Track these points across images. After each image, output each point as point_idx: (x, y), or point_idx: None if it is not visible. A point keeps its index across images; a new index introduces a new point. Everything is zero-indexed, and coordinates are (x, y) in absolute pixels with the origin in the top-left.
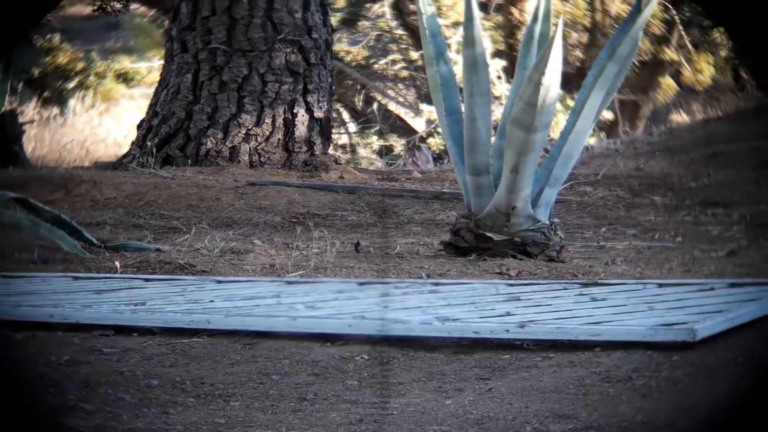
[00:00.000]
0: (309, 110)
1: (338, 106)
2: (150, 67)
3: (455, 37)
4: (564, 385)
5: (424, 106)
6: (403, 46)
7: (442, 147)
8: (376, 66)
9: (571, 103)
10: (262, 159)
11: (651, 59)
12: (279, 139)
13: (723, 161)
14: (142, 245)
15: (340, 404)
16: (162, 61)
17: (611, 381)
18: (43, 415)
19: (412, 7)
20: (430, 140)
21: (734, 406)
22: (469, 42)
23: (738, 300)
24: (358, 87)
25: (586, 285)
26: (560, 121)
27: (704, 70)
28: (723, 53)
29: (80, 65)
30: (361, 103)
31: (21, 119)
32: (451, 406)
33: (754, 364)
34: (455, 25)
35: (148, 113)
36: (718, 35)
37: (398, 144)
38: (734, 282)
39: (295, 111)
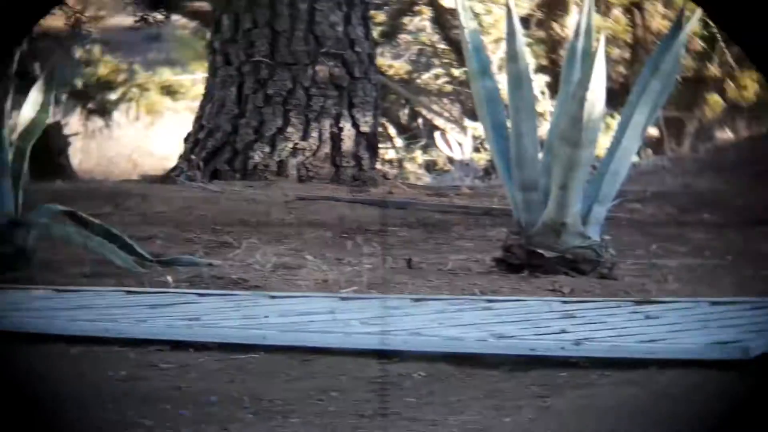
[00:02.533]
0: (355, 124)
1: (383, 120)
2: (193, 80)
3: (498, 53)
4: (622, 403)
5: (468, 122)
6: (445, 61)
7: (489, 162)
8: (419, 81)
9: (615, 119)
10: (310, 173)
11: (694, 75)
12: (326, 153)
13: None
14: (194, 260)
15: (399, 421)
16: (205, 74)
17: (668, 399)
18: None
19: (453, 20)
20: (475, 155)
21: None
22: (513, 56)
23: None
24: (402, 102)
25: (639, 303)
26: (605, 138)
27: (748, 87)
28: None
29: (122, 77)
30: (406, 118)
31: (66, 131)
32: (510, 424)
33: None
34: (497, 41)
35: (194, 126)
36: None
37: (442, 158)
38: None
39: (341, 125)
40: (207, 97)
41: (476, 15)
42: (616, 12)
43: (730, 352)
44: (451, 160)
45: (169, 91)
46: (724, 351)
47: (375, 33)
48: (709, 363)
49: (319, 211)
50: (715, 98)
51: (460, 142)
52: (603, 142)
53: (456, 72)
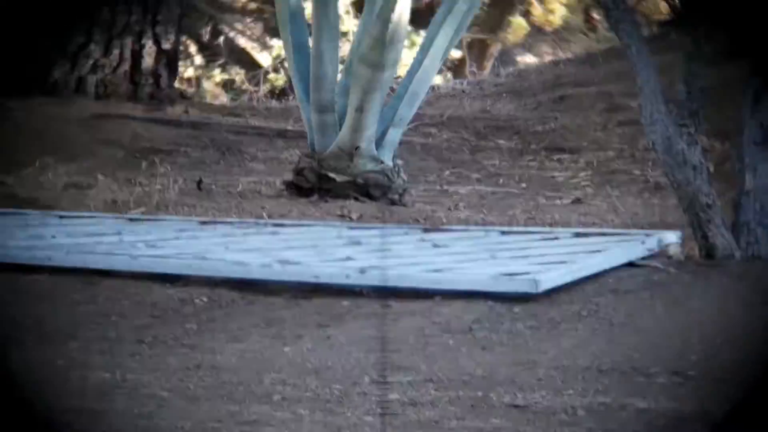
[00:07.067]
0: (157, 42)
1: (184, 38)
2: None
3: None
4: (404, 335)
5: (271, 41)
6: None
7: (288, 83)
8: None
9: (418, 40)
10: (108, 90)
11: None
12: (126, 71)
13: (571, 105)
14: None
15: (179, 348)
16: None
17: (451, 332)
18: None
19: None
20: (274, 75)
21: (576, 362)
22: None
23: (583, 251)
24: (206, 19)
25: (427, 230)
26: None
27: (556, 10)
28: None
29: None
30: (208, 36)
31: None
32: (290, 354)
33: (599, 319)
34: None
35: None
36: None
37: (242, 77)
38: (579, 232)
39: (142, 42)
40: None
41: None
42: None
43: (518, 285)
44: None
45: None
46: (512, 284)
47: None
48: (496, 295)
49: (114, 129)
50: (519, 21)
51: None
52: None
53: None
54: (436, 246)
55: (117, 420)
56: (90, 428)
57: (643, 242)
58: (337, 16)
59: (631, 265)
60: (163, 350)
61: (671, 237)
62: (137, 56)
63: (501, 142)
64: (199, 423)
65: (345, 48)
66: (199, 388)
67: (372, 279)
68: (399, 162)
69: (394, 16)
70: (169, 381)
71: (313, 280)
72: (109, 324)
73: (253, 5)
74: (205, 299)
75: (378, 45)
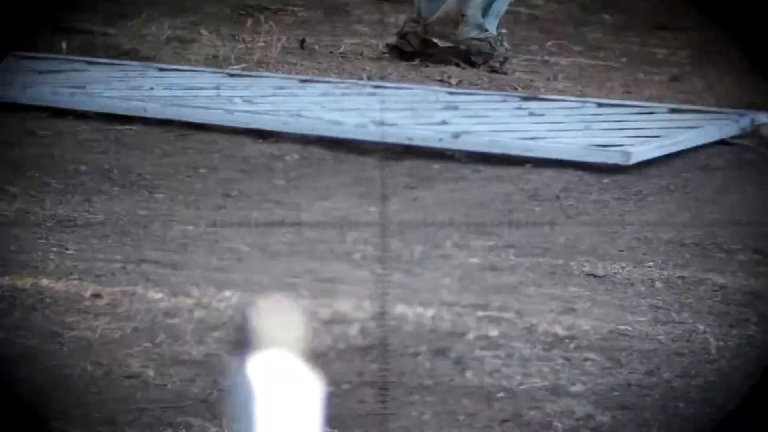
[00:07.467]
0: None
1: None
2: None
3: None
4: (490, 200)
5: None
6: None
7: None
8: None
9: None
10: None
11: None
12: None
13: None
14: None
15: (264, 203)
16: None
17: (538, 199)
18: None
19: None
20: None
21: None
22: None
23: (677, 127)
24: None
25: (525, 99)
26: None
27: None
28: None
29: None
30: None
31: None
32: (374, 214)
33: (686, 194)
34: None
35: None
36: None
37: None
38: (675, 108)
39: None
40: None
41: None
42: None
43: (610, 156)
44: None
45: None
46: (604, 155)
47: None
48: (586, 165)
49: None
50: None
51: None
52: None
53: None
54: (531, 114)
55: (194, 272)
56: (166, 279)
57: (736, 121)
58: None
59: (723, 142)
60: (249, 204)
61: (765, 118)
62: None
63: (605, 16)
64: (276, 278)
65: None
66: (280, 243)
67: (465, 143)
68: (503, 31)
69: None
70: (251, 235)
71: (406, 142)
72: (197, 176)
73: None
74: (296, 156)
75: None
